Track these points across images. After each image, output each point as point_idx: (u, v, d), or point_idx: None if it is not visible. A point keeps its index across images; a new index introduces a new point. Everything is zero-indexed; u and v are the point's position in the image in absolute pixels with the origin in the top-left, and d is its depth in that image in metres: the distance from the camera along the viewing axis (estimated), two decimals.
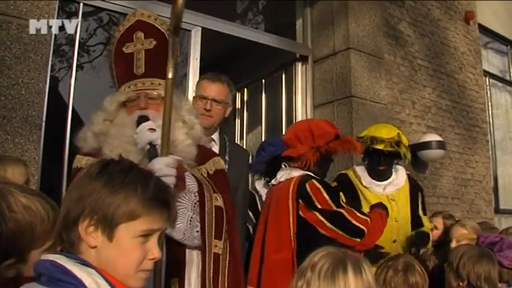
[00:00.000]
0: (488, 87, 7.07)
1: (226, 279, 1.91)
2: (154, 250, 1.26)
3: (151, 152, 1.86)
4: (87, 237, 1.20)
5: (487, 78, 7.05)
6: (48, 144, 3.28)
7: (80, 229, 1.20)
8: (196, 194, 1.93)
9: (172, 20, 1.81)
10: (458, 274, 2.48)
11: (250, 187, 3.28)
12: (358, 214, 2.68)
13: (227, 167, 2.82)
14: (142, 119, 1.93)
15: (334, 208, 2.65)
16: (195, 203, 1.92)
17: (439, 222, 3.62)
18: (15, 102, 2.99)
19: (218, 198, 1.96)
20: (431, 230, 3.62)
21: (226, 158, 2.87)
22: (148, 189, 1.24)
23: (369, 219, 2.67)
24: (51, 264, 1.16)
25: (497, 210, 6.65)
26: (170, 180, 1.75)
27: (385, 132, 3.18)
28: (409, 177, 3.41)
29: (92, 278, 1.15)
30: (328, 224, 2.61)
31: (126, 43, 2.03)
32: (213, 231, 1.92)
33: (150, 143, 1.87)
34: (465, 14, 6.46)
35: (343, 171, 3.44)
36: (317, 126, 2.85)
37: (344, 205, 2.71)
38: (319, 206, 2.63)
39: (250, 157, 3.32)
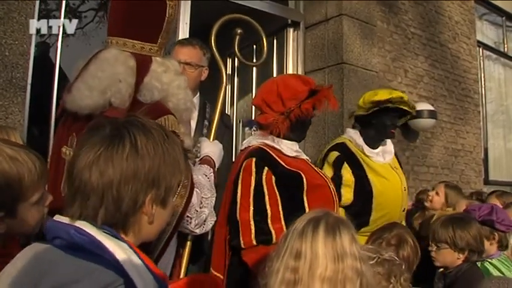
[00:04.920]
0: (481, 58, 7.03)
1: None
2: None
3: None
4: (151, 216, 1.15)
5: (480, 49, 7.01)
6: (34, 107, 3.23)
7: (144, 211, 1.13)
8: None
9: None
10: (459, 248, 2.54)
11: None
12: (281, 216, 2.24)
13: (205, 131, 2.82)
14: None
15: (252, 195, 2.26)
16: None
17: (441, 189, 3.61)
18: None
19: None
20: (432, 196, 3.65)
21: (206, 123, 2.88)
22: (179, 144, 1.24)
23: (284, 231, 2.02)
24: (77, 231, 1.07)
25: (487, 181, 6.69)
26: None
27: (403, 94, 3.09)
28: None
29: (126, 254, 1.06)
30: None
31: None
32: None
33: None
34: None
35: (338, 141, 3.15)
36: (286, 87, 2.46)
37: (266, 197, 2.27)
38: (239, 192, 2.29)
39: (237, 122, 3.31)
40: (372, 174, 2.98)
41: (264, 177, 2.29)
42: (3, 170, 1.38)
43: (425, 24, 5.82)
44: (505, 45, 7.75)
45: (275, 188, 2.29)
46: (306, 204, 2.29)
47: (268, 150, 2.40)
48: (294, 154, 2.47)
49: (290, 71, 4.87)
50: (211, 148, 2.25)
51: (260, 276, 1.65)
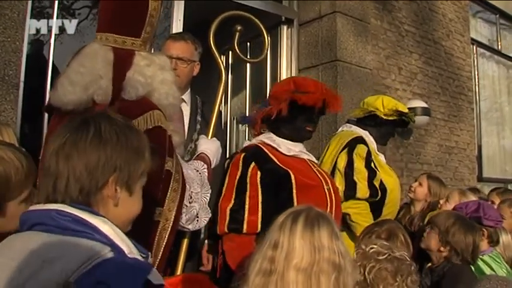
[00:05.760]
0: (475, 55, 7.04)
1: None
2: None
3: None
4: (115, 198, 1.20)
5: (474, 47, 7.02)
6: (27, 105, 3.22)
7: (107, 192, 1.18)
8: None
9: None
10: (446, 240, 2.52)
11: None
12: (259, 210, 2.33)
13: (199, 127, 2.80)
14: None
15: (235, 187, 2.37)
16: None
17: (423, 180, 3.62)
18: None
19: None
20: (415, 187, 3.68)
21: (199, 118, 2.84)
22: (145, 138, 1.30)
23: (258, 223, 2.31)
24: (58, 214, 1.11)
25: (480, 179, 6.71)
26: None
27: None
28: None
29: (108, 225, 1.14)
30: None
31: None
32: None
33: None
34: None
35: (355, 135, 3.13)
36: (275, 86, 2.67)
37: (248, 191, 2.37)
38: (225, 183, 2.41)
39: (231, 119, 3.30)
40: (383, 172, 3.04)
41: (249, 171, 2.38)
42: None
43: (419, 21, 5.83)
44: (499, 43, 7.77)
45: (258, 183, 2.37)
46: (295, 203, 2.32)
47: (262, 147, 2.48)
48: (291, 153, 2.50)
49: (284, 68, 4.87)
50: (208, 145, 2.26)
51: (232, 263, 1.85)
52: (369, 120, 3.22)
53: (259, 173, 2.38)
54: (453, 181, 5.91)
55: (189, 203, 1.84)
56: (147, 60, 1.83)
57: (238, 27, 2.79)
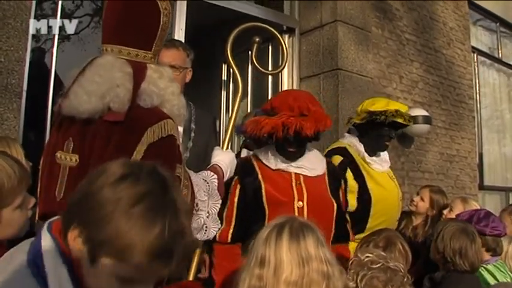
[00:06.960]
0: (476, 63, 7.05)
1: None
2: None
3: None
4: (73, 245, 1.06)
5: (475, 55, 7.03)
6: (29, 113, 3.23)
7: (69, 236, 1.06)
8: None
9: None
10: (437, 247, 2.52)
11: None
12: (233, 221, 2.44)
13: (193, 135, 2.81)
14: None
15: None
16: None
17: (425, 194, 3.60)
18: None
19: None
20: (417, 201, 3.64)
21: (193, 125, 2.85)
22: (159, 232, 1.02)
23: (228, 234, 2.42)
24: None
25: (482, 187, 6.71)
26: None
27: (401, 106, 3.08)
28: None
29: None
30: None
31: None
32: None
33: None
34: None
35: (338, 145, 3.10)
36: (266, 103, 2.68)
37: (228, 203, 2.44)
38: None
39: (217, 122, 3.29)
40: (371, 181, 2.97)
41: (232, 185, 2.46)
42: None
43: (420, 30, 5.84)
44: (499, 51, 7.78)
45: (236, 196, 2.46)
46: (266, 216, 2.38)
47: (253, 160, 2.54)
48: (277, 167, 2.49)
49: (285, 77, 4.88)
50: (221, 157, 2.25)
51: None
52: (357, 128, 3.13)
53: (239, 186, 2.46)
54: (454, 189, 5.90)
55: (195, 211, 1.85)
56: (158, 73, 1.86)
57: (257, 39, 2.78)
